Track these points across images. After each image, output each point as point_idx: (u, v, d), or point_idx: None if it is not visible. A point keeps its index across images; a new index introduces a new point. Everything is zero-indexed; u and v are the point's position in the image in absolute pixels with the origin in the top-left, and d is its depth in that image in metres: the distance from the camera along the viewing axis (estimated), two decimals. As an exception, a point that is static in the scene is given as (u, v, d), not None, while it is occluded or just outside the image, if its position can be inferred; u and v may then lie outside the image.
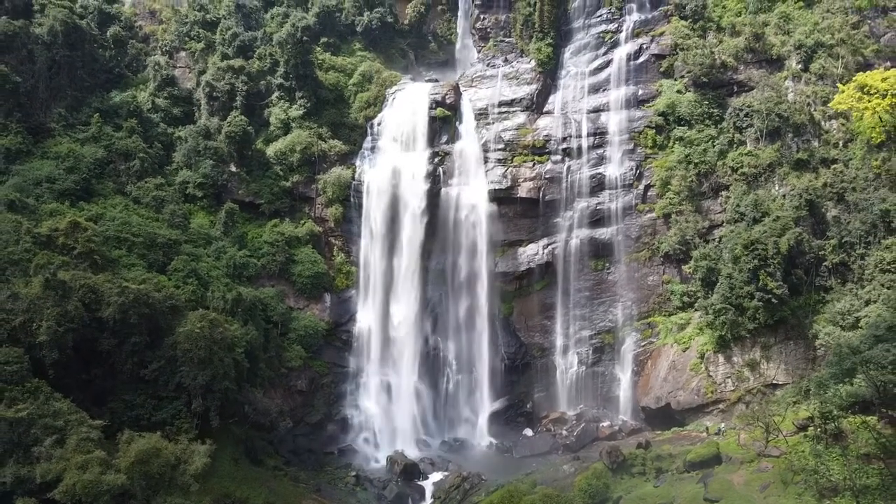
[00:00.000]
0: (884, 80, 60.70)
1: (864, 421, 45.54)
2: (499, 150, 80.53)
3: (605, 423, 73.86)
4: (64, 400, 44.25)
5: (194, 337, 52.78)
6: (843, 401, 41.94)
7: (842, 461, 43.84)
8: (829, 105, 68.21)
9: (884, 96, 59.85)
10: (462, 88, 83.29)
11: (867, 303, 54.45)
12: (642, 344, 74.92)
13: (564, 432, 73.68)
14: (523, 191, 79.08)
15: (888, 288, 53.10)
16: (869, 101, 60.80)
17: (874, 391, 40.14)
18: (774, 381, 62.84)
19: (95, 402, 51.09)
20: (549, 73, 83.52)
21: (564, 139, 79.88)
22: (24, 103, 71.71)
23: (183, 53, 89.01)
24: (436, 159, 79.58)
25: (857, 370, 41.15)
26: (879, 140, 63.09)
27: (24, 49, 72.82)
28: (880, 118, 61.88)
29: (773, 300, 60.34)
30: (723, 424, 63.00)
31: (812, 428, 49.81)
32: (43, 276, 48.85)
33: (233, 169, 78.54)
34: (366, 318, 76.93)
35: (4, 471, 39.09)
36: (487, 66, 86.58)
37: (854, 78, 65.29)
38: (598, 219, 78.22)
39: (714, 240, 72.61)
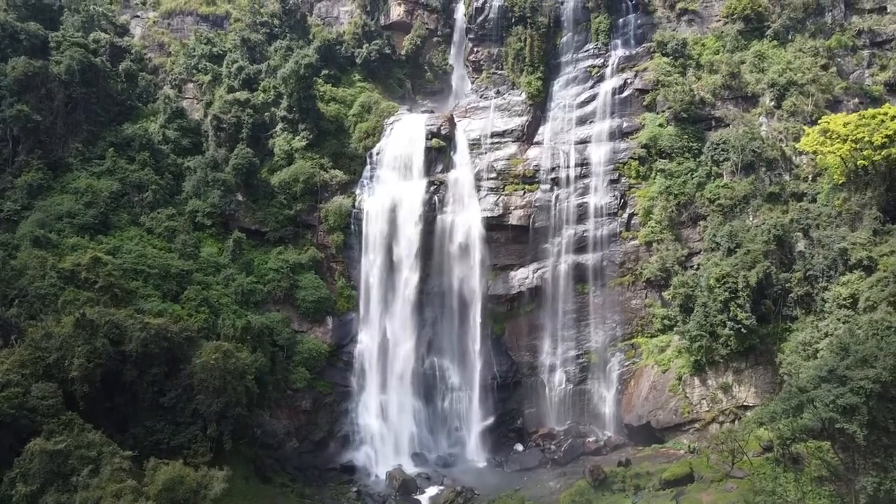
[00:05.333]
0: (845, 125, 65.13)
1: (819, 447, 50.51)
2: (491, 178, 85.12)
3: (591, 439, 78.61)
4: (95, 432, 48.89)
5: (209, 368, 57.44)
6: (793, 432, 46.81)
7: (796, 484, 48.87)
8: (798, 145, 73.01)
9: (844, 141, 64.39)
10: (456, 119, 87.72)
11: (825, 335, 59.25)
12: (626, 364, 79.69)
13: (553, 447, 78.34)
14: (514, 218, 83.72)
15: (844, 322, 57.94)
16: (832, 145, 65.41)
17: (821, 425, 45.07)
18: (745, 403, 67.75)
19: (119, 429, 55.70)
20: (539, 105, 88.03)
21: (553, 169, 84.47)
22: (44, 140, 76.20)
23: (191, 85, 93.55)
24: (432, 188, 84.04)
25: (804, 407, 46.13)
26: (841, 181, 67.94)
27: (44, 88, 77.21)
28: (842, 159, 66.59)
29: (743, 330, 65.23)
30: (696, 443, 68.01)
31: (774, 451, 54.69)
32: (73, 316, 53.45)
33: (239, 198, 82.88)
34: (366, 340, 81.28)
35: (46, 498, 43.74)
36: (480, 97, 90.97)
37: (819, 121, 69.87)
38: (584, 245, 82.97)
39: (693, 267, 77.32)
